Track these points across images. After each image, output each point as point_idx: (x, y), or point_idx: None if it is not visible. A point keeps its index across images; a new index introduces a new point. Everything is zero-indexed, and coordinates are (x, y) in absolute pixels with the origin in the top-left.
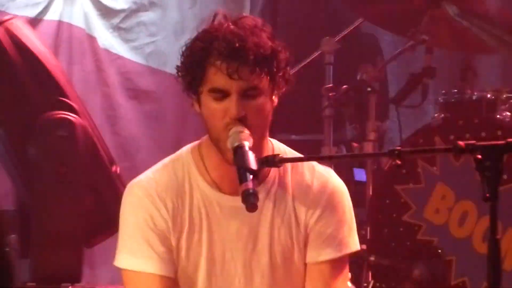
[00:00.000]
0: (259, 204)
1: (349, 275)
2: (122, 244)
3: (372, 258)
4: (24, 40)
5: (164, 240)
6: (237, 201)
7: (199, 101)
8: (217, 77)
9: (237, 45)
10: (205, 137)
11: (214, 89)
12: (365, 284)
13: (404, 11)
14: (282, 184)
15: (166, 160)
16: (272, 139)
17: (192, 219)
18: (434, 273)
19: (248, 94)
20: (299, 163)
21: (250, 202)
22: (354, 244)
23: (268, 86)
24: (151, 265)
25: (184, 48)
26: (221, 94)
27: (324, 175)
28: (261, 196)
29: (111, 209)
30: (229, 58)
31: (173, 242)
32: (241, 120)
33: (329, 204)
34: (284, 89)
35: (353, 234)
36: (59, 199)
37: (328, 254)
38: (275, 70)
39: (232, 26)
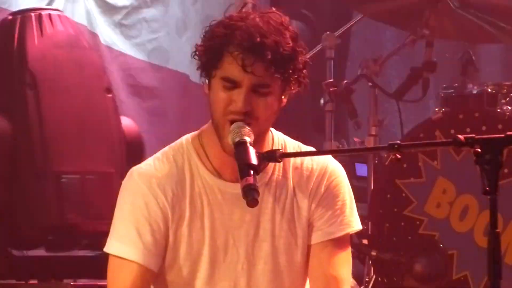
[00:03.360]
0: (260, 190)
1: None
2: (113, 229)
3: (373, 253)
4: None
5: (154, 231)
6: (239, 188)
7: (209, 84)
8: (231, 67)
9: (258, 39)
10: (206, 126)
11: (226, 78)
12: (367, 279)
13: (405, 6)
14: (282, 171)
15: (166, 148)
16: (272, 129)
17: (194, 207)
18: (436, 267)
19: (258, 90)
20: (297, 149)
21: (251, 197)
22: (356, 223)
23: (280, 86)
24: (135, 253)
25: (206, 29)
26: (232, 84)
27: (323, 159)
28: (261, 183)
29: None
30: (247, 51)
31: (172, 231)
32: (245, 114)
33: (329, 187)
34: (295, 91)
35: (354, 213)
36: None
37: (331, 233)
38: (290, 71)
39: (257, 19)
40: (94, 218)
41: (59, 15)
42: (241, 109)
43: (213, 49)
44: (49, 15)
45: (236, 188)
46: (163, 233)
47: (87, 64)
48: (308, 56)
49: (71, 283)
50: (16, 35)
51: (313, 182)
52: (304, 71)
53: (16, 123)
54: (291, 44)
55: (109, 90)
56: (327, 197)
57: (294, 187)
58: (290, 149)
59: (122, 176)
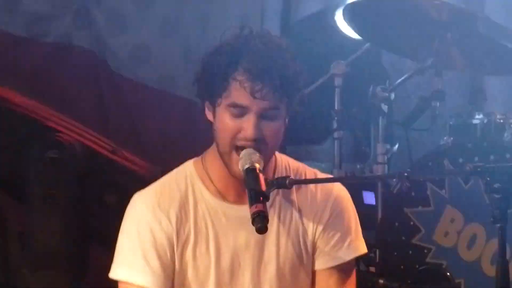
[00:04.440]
0: None
1: None
2: (119, 255)
3: (381, 281)
4: None
5: (161, 256)
6: (243, 210)
7: (214, 111)
8: (239, 94)
9: (264, 65)
10: (208, 150)
11: (234, 104)
12: None
13: (414, 35)
14: (286, 194)
15: (169, 174)
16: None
17: (198, 230)
18: None
19: (267, 115)
20: (303, 173)
21: (261, 224)
22: (362, 247)
23: (286, 107)
24: (144, 278)
25: (207, 57)
26: (240, 111)
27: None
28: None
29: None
30: (255, 77)
31: (178, 255)
32: (255, 141)
33: (334, 211)
34: (296, 111)
35: (359, 237)
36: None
37: (338, 259)
38: (294, 92)
39: (259, 44)
40: None
41: None
42: (252, 136)
43: (218, 77)
44: None
45: (240, 211)
46: (170, 256)
47: None
48: (317, 84)
49: None
50: None
51: (318, 206)
52: (303, 90)
53: None
54: (292, 65)
55: None
56: (333, 222)
57: (299, 209)
58: (293, 171)
59: None
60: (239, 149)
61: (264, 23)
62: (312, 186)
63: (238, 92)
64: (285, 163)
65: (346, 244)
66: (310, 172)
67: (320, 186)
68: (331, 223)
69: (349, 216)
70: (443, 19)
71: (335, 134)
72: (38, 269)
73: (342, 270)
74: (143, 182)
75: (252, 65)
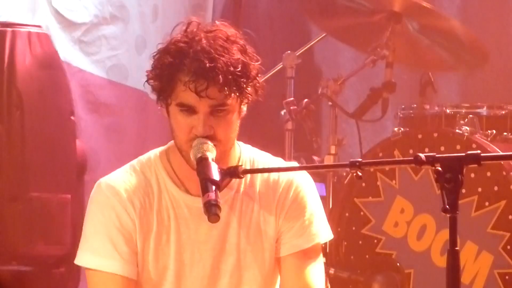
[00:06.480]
0: (227, 204)
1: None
2: (85, 241)
3: (331, 271)
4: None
5: (128, 241)
6: None
7: (167, 110)
8: (185, 94)
9: (207, 65)
10: (172, 143)
11: (182, 104)
12: None
13: (366, 26)
14: (249, 184)
15: (134, 161)
16: (240, 143)
17: (161, 220)
18: (393, 286)
19: (216, 111)
20: (267, 163)
21: (212, 213)
22: (325, 233)
23: (237, 100)
24: (112, 265)
25: (155, 57)
26: (189, 110)
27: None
28: (228, 196)
29: None
30: (198, 77)
31: (140, 243)
32: (207, 138)
33: (297, 198)
34: (253, 98)
35: (323, 223)
36: None
37: (300, 245)
38: (244, 85)
39: (204, 41)
40: (52, 244)
41: (45, 34)
42: (201, 134)
43: (164, 78)
44: (38, 33)
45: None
46: (135, 243)
47: (61, 86)
48: (269, 75)
49: None
50: (6, 51)
51: (279, 194)
52: (258, 77)
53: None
54: (240, 58)
55: (72, 112)
56: (295, 209)
57: (260, 200)
58: (259, 165)
59: (76, 202)
60: None
61: None
62: (274, 175)
63: (184, 92)
64: (250, 157)
65: (308, 230)
66: (275, 161)
67: (282, 174)
68: (293, 210)
69: (311, 202)
70: (396, 10)
71: (287, 125)
72: None
73: (306, 256)
74: None
75: (196, 65)
